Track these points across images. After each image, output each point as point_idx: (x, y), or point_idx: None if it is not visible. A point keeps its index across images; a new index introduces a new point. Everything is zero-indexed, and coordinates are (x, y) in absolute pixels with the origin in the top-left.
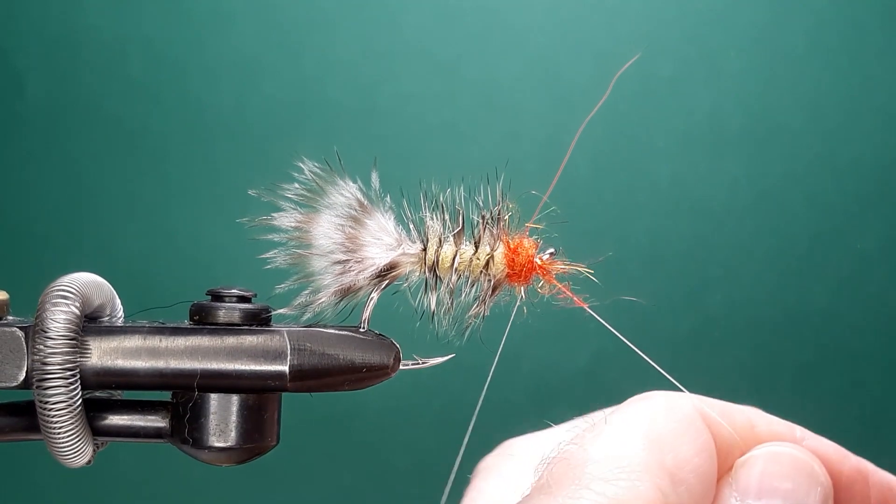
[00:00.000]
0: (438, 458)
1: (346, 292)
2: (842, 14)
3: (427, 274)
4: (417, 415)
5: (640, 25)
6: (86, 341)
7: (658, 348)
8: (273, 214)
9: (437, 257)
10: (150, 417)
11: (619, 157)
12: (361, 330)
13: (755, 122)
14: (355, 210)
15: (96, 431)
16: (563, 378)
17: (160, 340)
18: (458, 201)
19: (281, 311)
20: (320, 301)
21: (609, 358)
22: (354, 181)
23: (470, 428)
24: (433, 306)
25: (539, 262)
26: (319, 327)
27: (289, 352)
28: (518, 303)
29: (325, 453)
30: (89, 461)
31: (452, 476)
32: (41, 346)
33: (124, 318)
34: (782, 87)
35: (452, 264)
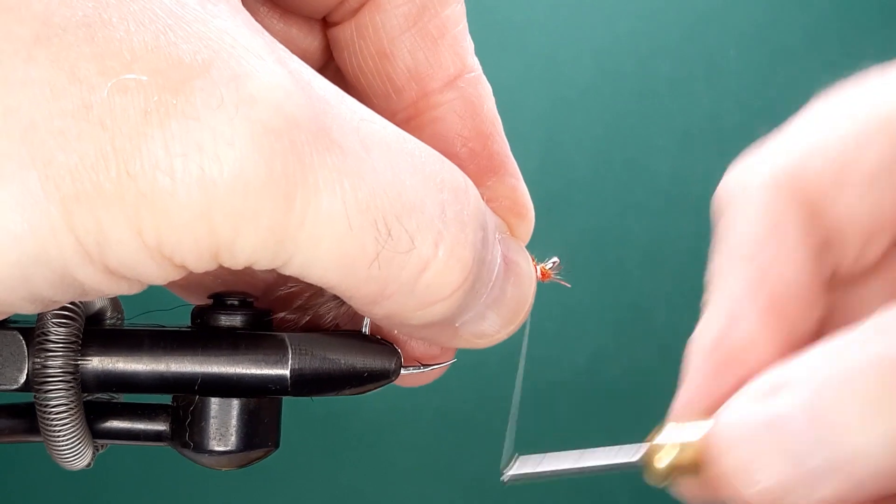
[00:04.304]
0: (438, 457)
1: None
2: (841, 13)
3: None
4: (417, 415)
5: (639, 25)
6: (87, 344)
7: (658, 348)
8: None
9: None
10: (150, 421)
11: (619, 156)
12: (363, 334)
13: (754, 121)
14: None
15: (96, 434)
16: (561, 378)
17: (161, 344)
18: None
19: (282, 315)
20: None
21: (608, 357)
22: None
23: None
24: None
25: (540, 273)
26: (321, 332)
27: (290, 356)
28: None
29: (325, 453)
30: (89, 464)
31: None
32: (42, 349)
33: (125, 321)
34: (782, 85)
35: None
